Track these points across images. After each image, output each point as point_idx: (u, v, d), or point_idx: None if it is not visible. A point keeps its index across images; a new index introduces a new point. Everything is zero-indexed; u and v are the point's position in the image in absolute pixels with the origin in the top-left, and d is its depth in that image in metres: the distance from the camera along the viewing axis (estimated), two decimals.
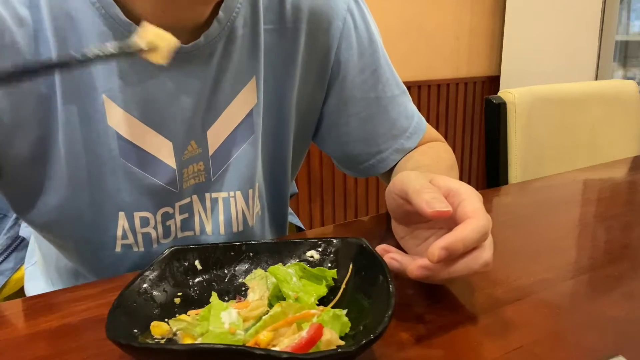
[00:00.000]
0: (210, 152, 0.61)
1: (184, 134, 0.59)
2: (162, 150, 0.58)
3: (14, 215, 0.84)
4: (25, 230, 0.84)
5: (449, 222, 0.46)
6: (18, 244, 0.84)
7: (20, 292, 0.82)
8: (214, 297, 0.43)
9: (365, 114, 0.70)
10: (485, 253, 0.43)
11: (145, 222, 0.60)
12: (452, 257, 0.42)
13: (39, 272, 0.78)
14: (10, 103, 0.51)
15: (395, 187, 0.52)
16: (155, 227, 0.60)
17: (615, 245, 0.62)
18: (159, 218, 0.60)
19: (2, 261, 0.83)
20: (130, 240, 0.60)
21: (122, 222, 0.59)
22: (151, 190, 0.59)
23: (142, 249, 0.60)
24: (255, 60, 0.62)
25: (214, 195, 0.63)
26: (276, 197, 0.73)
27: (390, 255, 0.47)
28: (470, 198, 0.45)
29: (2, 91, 0.50)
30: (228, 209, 0.64)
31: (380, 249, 0.48)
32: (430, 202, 0.45)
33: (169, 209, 0.61)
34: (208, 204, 0.63)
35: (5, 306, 0.50)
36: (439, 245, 0.41)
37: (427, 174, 0.51)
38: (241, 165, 0.64)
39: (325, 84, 0.69)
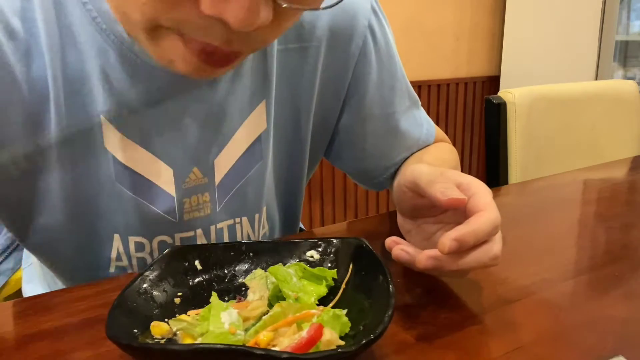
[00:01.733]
0: (217, 182, 0.59)
1: (187, 160, 0.56)
2: (162, 176, 0.55)
3: None
4: None
5: (457, 216, 0.45)
6: (18, 244, 0.84)
7: (20, 292, 0.82)
8: (214, 297, 0.43)
9: (382, 130, 0.69)
10: (496, 246, 0.43)
11: (140, 247, 0.57)
12: (462, 248, 0.41)
13: (35, 273, 0.77)
14: None
15: (405, 179, 0.51)
16: (150, 254, 0.58)
17: (615, 245, 0.62)
18: (155, 245, 0.58)
19: (2, 261, 0.82)
20: (125, 262, 0.58)
21: (117, 244, 0.56)
22: (147, 217, 0.56)
23: (136, 272, 0.59)
24: (266, 83, 0.59)
25: (219, 225, 0.61)
26: (289, 213, 0.72)
27: (400, 246, 0.46)
28: (481, 192, 0.45)
29: None
30: (233, 234, 0.62)
31: (390, 240, 0.47)
32: (444, 191, 0.45)
33: (166, 238, 0.58)
34: (213, 236, 0.61)
35: (5, 306, 0.50)
36: (450, 237, 0.41)
37: (438, 168, 0.51)
38: (247, 192, 0.61)
39: (340, 100, 0.67)
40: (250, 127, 0.59)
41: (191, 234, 0.59)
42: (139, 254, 0.58)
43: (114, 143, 0.52)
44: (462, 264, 0.42)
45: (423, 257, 0.43)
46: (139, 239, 0.57)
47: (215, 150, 0.57)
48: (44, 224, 0.55)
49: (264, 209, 0.65)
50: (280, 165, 0.65)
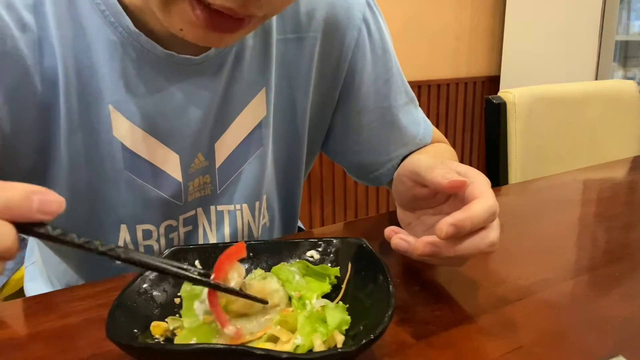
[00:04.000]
0: (217, 165, 0.60)
1: (192, 146, 0.58)
2: (169, 163, 0.57)
3: None
4: None
5: (456, 206, 0.46)
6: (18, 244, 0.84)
7: (20, 292, 0.82)
8: (185, 286, 0.42)
9: (378, 124, 0.69)
10: (493, 233, 0.43)
11: (147, 234, 0.59)
12: (460, 234, 0.42)
13: (38, 272, 0.78)
14: (10, 111, 0.49)
15: (405, 169, 0.52)
16: (158, 240, 0.60)
17: (615, 245, 0.62)
18: (162, 231, 0.60)
19: None
20: None
21: (124, 234, 0.57)
22: (155, 203, 0.58)
23: None
24: (266, 71, 0.61)
25: (219, 208, 0.63)
26: (288, 205, 0.73)
27: (399, 235, 0.47)
28: (478, 181, 0.46)
29: (2, 99, 0.48)
30: (234, 221, 0.63)
31: (389, 230, 0.48)
32: (445, 175, 0.45)
33: (173, 222, 0.60)
34: (213, 217, 0.63)
35: (5, 306, 0.50)
36: (447, 222, 0.41)
37: (438, 158, 0.52)
38: (248, 178, 0.63)
39: (336, 93, 0.68)
40: (251, 114, 0.61)
41: (192, 213, 0.61)
42: (147, 242, 0.59)
43: (123, 131, 0.54)
44: (459, 250, 0.43)
45: (421, 243, 0.43)
46: (146, 226, 0.58)
47: (216, 135, 0.59)
48: None
49: (264, 197, 0.66)
50: (278, 154, 0.66)
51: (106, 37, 0.51)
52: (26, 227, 0.29)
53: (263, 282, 0.46)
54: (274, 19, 0.60)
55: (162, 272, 0.36)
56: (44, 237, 0.30)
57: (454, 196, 0.49)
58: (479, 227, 0.43)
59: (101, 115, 0.53)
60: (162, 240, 0.60)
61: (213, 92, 0.57)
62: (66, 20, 0.50)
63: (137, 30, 0.51)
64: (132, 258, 0.33)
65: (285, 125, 0.65)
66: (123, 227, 0.57)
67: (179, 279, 0.41)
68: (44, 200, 0.29)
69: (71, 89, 0.51)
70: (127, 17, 0.50)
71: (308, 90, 0.65)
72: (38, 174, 0.54)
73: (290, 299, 0.44)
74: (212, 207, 0.62)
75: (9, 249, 0.28)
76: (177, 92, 0.55)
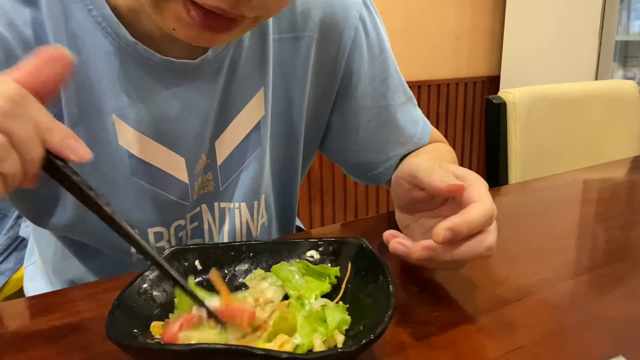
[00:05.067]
0: (219, 163, 0.61)
1: (195, 148, 0.58)
2: (175, 166, 0.57)
3: (14, 215, 0.84)
4: (25, 230, 0.84)
5: (454, 209, 0.46)
6: (18, 244, 0.84)
7: (20, 292, 0.82)
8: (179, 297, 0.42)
9: (375, 123, 0.69)
10: (490, 237, 0.43)
11: (159, 236, 0.60)
12: (456, 238, 0.42)
13: (38, 271, 0.78)
14: None
15: (403, 172, 0.52)
16: (169, 240, 0.60)
17: (615, 245, 0.62)
18: (172, 231, 0.60)
19: (2, 261, 0.82)
20: None
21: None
22: (164, 205, 0.58)
23: None
24: (264, 71, 0.61)
25: (222, 205, 0.63)
26: (285, 205, 0.73)
27: (397, 240, 0.47)
28: (476, 184, 0.46)
29: None
30: (233, 219, 0.64)
31: (387, 234, 0.48)
32: (442, 178, 0.45)
33: (181, 221, 0.61)
34: (217, 213, 0.63)
35: (5, 306, 0.50)
36: (444, 226, 0.41)
37: (436, 161, 0.52)
38: (247, 177, 0.63)
39: (334, 92, 0.68)
40: (250, 113, 0.61)
41: (197, 210, 0.62)
42: (159, 244, 0.60)
43: (128, 139, 0.54)
44: (456, 254, 0.43)
45: (418, 248, 0.44)
46: (157, 229, 0.59)
47: (215, 134, 0.60)
48: (61, 222, 0.57)
49: (262, 197, 0.66)
50: (276, 154, 0.67)
51: (104, 48, 0.51)
52: (51, 161, 0.34)
53: (255, 281, 0.46)
54: (270, 19, 0.60)
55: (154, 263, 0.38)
56: (64, 177, 0.36)
57: (452, 199, 0.49)
58: (476, 231, 0.43)
59: (105, 126, 0.53)
60: (173, 240, 0.61)
61: (212, 94, 0.57)
62: (63, 33, 0.50)
63: (133, 39, 0.51)
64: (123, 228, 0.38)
65: (282, 125, 0.65)
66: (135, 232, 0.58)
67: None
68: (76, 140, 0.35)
69: (73, 103, 0.51)
70: (123, 27, 0.51)
71: (305, 90, 0.65)
72: (47, 184, 0.54)
73: (285, 296, 0.44)
74: (216, 204, 0.63)
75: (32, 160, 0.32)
76: (178, 96, 0.55)
